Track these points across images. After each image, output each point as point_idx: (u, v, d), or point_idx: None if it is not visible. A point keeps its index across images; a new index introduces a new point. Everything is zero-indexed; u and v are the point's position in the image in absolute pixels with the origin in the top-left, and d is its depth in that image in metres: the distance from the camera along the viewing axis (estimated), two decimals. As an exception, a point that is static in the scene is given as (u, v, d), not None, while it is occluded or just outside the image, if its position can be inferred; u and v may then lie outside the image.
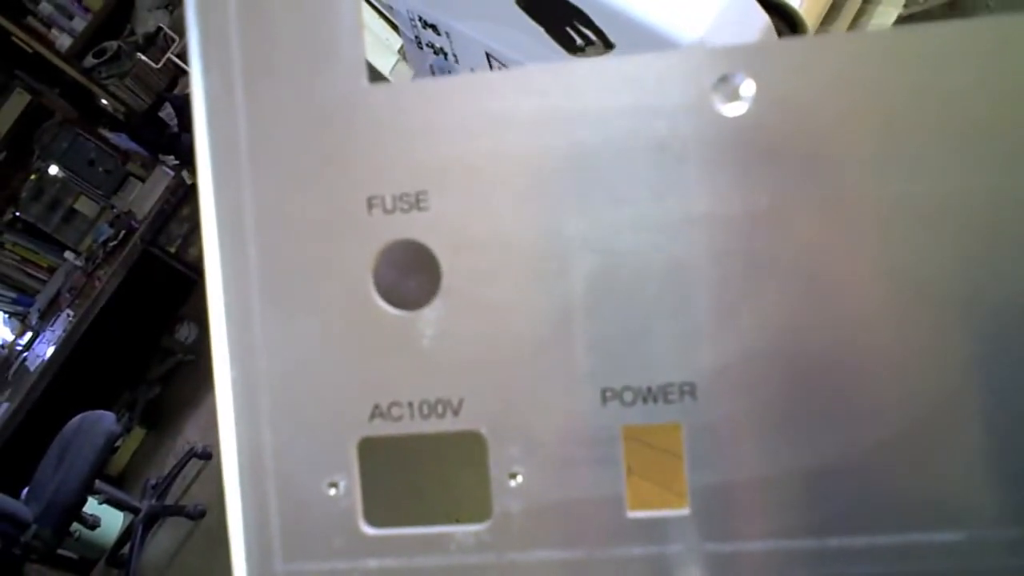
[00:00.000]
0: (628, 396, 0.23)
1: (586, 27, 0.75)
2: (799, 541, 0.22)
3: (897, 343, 0.22)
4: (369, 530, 0.23)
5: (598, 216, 0.23)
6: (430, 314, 0.23)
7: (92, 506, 2.38)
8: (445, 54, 0.93)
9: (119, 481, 2.80)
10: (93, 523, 2.43)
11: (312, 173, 0.23)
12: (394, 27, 0.98)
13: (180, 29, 1.07)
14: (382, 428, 0.23)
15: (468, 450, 0.24)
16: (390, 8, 0.93)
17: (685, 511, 0.22)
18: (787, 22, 0.74)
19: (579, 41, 0.76)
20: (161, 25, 1.07)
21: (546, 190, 0.23)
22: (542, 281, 0.23)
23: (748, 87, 0.22)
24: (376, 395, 0.23)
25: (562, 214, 0.23)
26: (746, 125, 0.22)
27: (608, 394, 0.23)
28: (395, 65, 1.06)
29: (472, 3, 0.84)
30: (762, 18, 0.66)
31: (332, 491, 0.23)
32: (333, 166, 0.23)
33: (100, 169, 2.69)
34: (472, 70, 0.89)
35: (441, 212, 0.23)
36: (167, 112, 2.29)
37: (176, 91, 1.57)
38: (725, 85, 0.23)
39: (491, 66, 0.85)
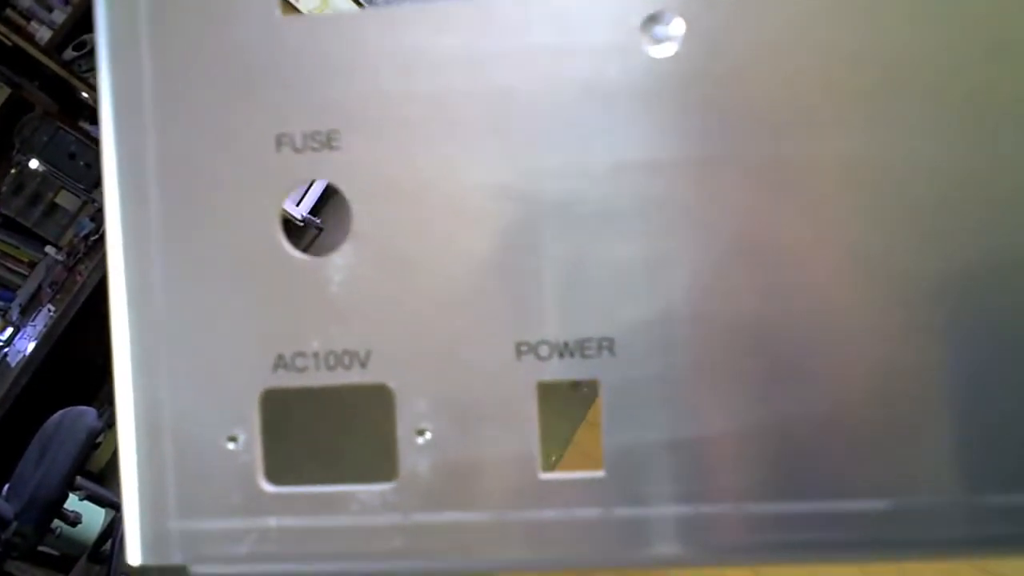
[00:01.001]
0: (544, 350, 0.21)
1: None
2: (716, 506, 0.21)
3: (826, 309, 0.21)
4: (269, 487, 0.22)
5: (518, 162, 0.22)
6: (339, 260, 0.22)
7: (73, 502, 2.36)
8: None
9: (101, 477, 2.78)
10: (74, 520, 2.40)
11: (219, 109, 0.22)
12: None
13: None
14: (286, 379, 0.22)
15: (380, 404, 0.22)
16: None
17: (600, 473, 0.21)
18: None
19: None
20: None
21: (463, 134, 0.22)
22: (457, 230, 0.22)
23: (678, 27, 0.21)
24: (280, 344, 0.22)
25: (480, 160, 0.22)
26: (676, 67, 0.21)
27: (523, 348, 0.21)
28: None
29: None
30: None
31: (231, 445, 0.22)
32: (241, 101, 0.22)
33: (81, 163, 2.67)
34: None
35: (353, 153, 0.22)
36: None
37: None
38: (653, 25, 0.21)
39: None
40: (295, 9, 0.99)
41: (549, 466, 0.21)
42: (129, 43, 0.23)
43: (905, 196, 0.21)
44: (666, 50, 0.21)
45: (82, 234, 2.67)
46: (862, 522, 0.21)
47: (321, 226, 2.35)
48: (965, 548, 0.21)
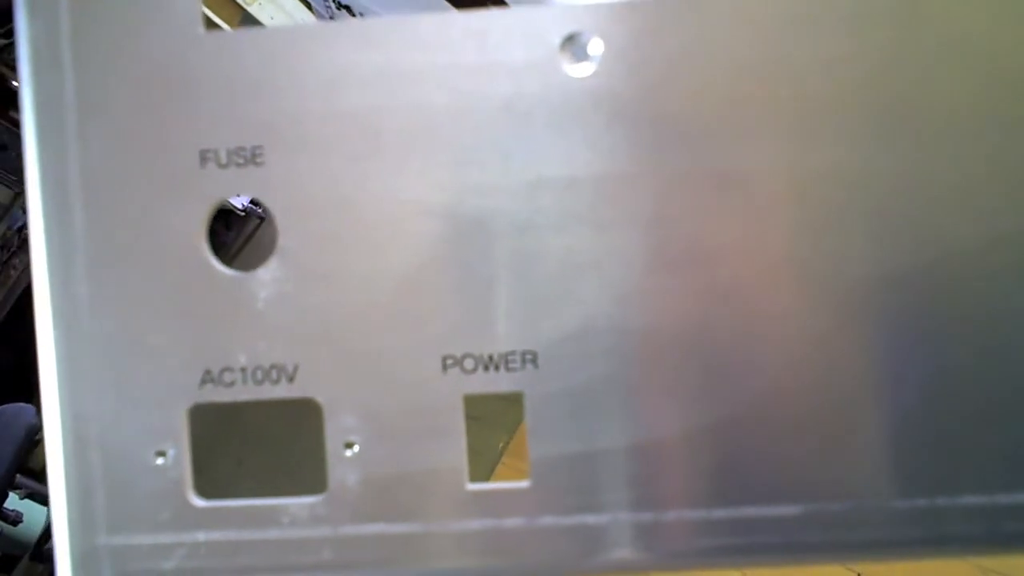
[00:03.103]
0: (469, 364, 0.22)
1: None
2: (638, 514, 0.22)
3: (743, 318, 0.22)
4: (198, 502, 0.22)
5: (441, 178, 0.22)
6: (265, 275, 0.22)
7: (14, 501, 2.32)
8: (364, 34, 0.92)
9: (42, 475, 2.74)
10: (15, 519, 2.37)
11: (143, 125, 0.23)
12: (309, 6, 0.97)
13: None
14: (213, 394, 0.22)
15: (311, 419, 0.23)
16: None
17: (525, 484, 0.22)
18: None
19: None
20: None
21: (386, 150, 0.22)
22: (382, 245, 0.22)
23: (596, 47, 0.22)
24: (207, 360, 0.22)
25: (404, 176, 0.22)
26: (594, 86, 0.22)
27: (449, 362, 0.22)
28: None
29: (392, -18, 0.83)
30: None
31: (160, 460, 0.22)
32: (165, 117, 0.23)
33: (13, 154, 2.63)
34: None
35: (277, 169, 0.22)
36: None
37: None
38: (572, 44, 0.22)
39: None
40: (239, 7, 0.98)
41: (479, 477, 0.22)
42: (51, 57, 0.23)
43: (830, 203, 0.22)
44: (584, 70, 0.22)
45: (16, 227, 2.63)
46: (776, 527, 0.21)
47: (263, 215, 2.34)
48: (902, 550, 0.22)
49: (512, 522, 0.22)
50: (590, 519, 0.22)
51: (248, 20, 1.00)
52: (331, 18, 0.82)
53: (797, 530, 0.22)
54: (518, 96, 0.22)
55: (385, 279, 0.22)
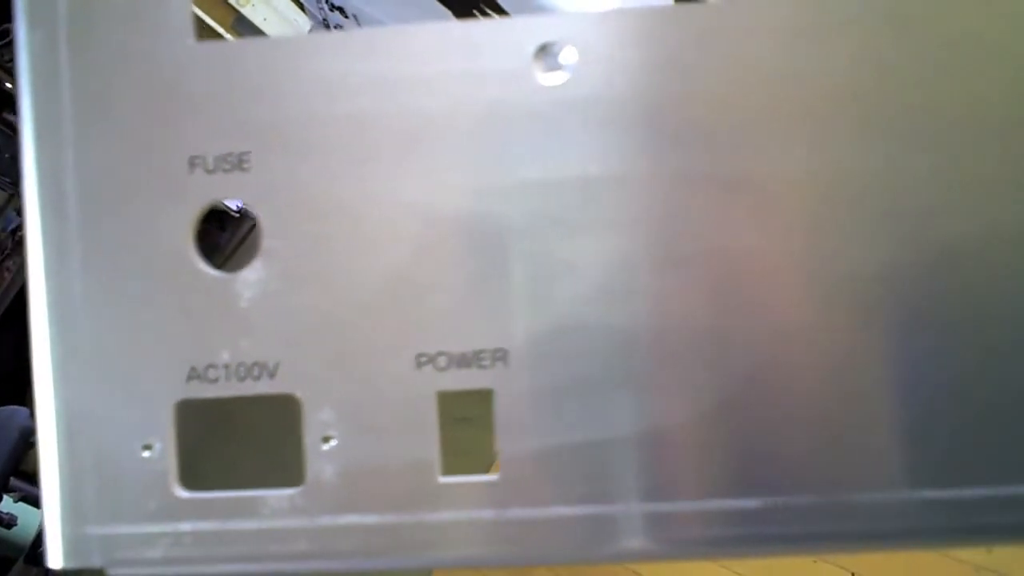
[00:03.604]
0: (442, 361, 0.23)
1: (492, 10, 0.76)
2: (608, 507, 0.23)
3: (707, 318, 0.23)
4: (183, 493, 0.24)
5: (418, 183, 0.24)
6: (249, 276, 0.24)
7: (8, 504, 2.33)
8: (359, 38, 0.93)
9: (35, 478, 2.74)
10: (9, 522, 2.37)
11: (135, 131, 0.24)
12: (302, 7, 0.99)
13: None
14: (199, 390, 0.24)
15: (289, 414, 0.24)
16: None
17: (495, 477, 0.23)
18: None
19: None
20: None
21: (371, 155, 0.24)
22: (362, 246, 0.24)
23: (570, 56, 0.23)
24: (193, 357, 0.24)
25: (382, 180, 0.24)
26: (567, 94, 0.23)
27: (423, 359, 0.23)
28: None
29: (383, -14, 0.84)
30: (667, 2, 0.68)
31: (147, 453, 0.24)
32: (157, 124, 0.24)
33: (6, 155, 2.63)
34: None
35: (264, 174, 0.24)
36: None
37: None
38: (546, 54, 0.23)
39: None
40: (224, 1, 1.00)
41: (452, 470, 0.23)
42: (49, 66, 0.24)
43: (802, 207, 0.23)
44: (558, 78, 0.23)
45: (10, 228, 2.64)
46: (743, 519, 0.23)
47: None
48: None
49: (482, 514, 0.23)
50: (558, 511, 0.23)
51: (241, 22, 1.01)
52: (324, 19, 0.84)
53: (758, 522, 0.23)
54: (497, 103, 0.24)
55: (364, 280, 0.24)
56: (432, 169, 0.24)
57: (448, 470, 0.24)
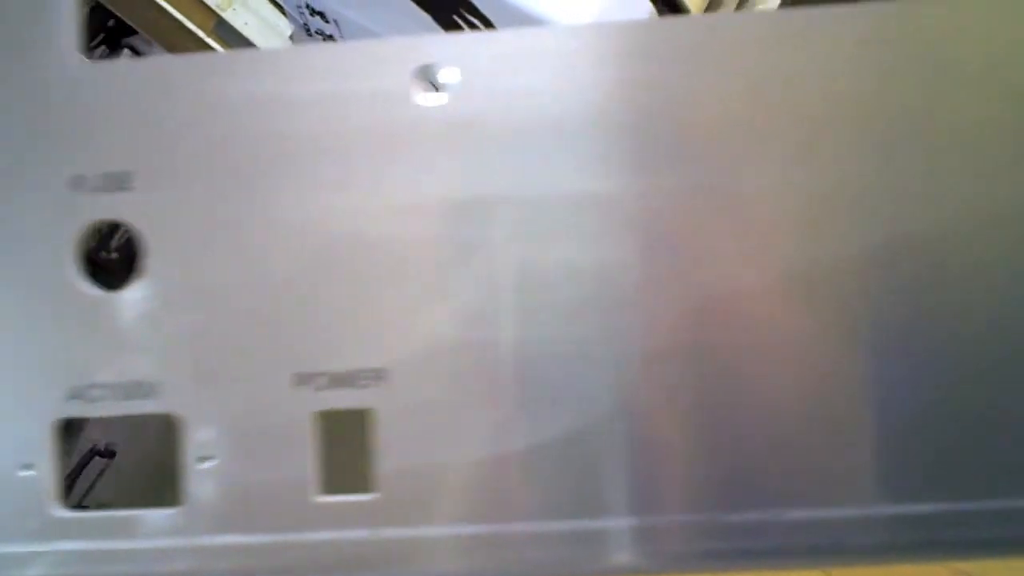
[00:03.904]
0: (320, 381, 0.23)
1: (473, 15, 0.76)
2: (487, 527, 0.23)
3: (574, 336, 0.23)
4: (62, 513, 0.24)
5: (302, 202, 0.24)
6: (130, 295, 0.24)
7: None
8: (334, 41, 0.93)
9: None
10: (-1, 526, 2.39)
11: (15, 149, 0.24)
12: (284, 12, 0.99)
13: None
14: (80, 409, 0.24)
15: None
16: (279, -7, 0.94)
17: (373, 496, 0.23)
18: (672, 10, 0.76)
19: (466, 29, 0.77)
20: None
21: (252, 175, 0.24)
22: (242, 265, 0.24)
23: (450, 77, 0.23)
24: (74, 376, 0.24)
25: (266, 199, 0.24)
26: (447, 116, 0.23)
27: (301, 379, 0.23)
28: (288, 53, 1.06)
29: (358, -10, 0.84)
30: (646, 7, 0.68)
31: (26, 472, 0.24)
32: (37, 142, 0.24)
33: None
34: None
35: (147, 193, 0.24)
36: None
37: None
38: (425, 74, 0.23)
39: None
40: (203, 3, 1.00)
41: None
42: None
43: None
44: (437, 99, 0.23)
45: None
46: (609, 542, 0.23)
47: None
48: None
49: (358, 533, 0.23)
50: (434, 531, 0.23)
51: (222, 26, 1.01)
52: (304, 24, 0.84)
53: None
54: (372, 125, 0.24)
55: (244, 300, 0.24)
56: (311, 189, 0.24)
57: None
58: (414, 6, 0.78)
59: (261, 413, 0.24)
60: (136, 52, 1.06)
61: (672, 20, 0.25)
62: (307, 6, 0.91)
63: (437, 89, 0.24)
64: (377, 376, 0.24)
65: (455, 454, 0.23)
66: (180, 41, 1.04)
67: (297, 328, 0.24)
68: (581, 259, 0.23)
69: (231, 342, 0.24)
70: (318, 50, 0.24)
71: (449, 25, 0.77)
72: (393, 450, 0.24)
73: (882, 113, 0.23)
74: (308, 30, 0.94)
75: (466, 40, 0.24)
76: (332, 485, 0.24)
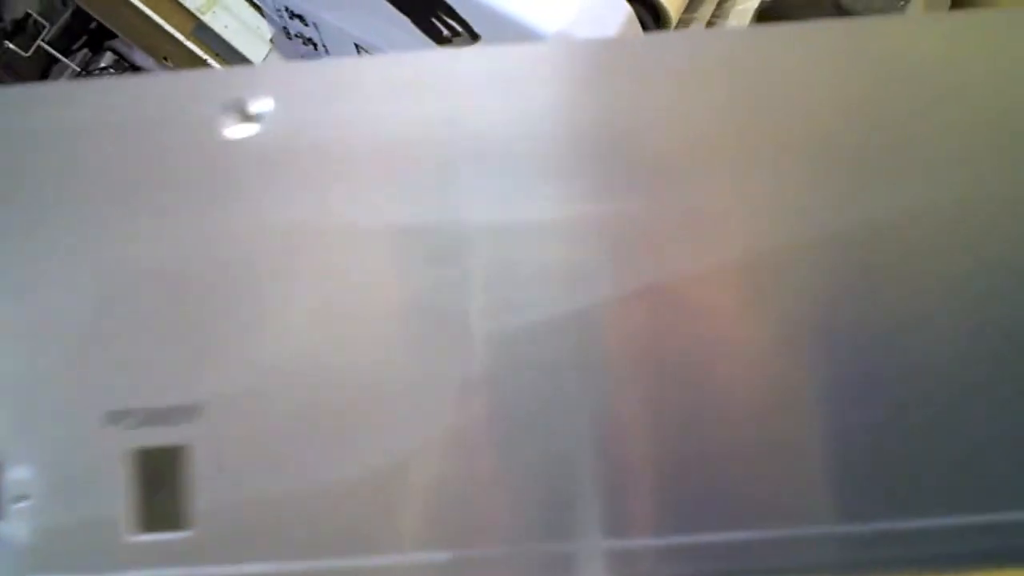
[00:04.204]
0: (133, 418, 0.23)
1: (451, 18, 0.76)
2: (303, 564, 0.23)
3: (416, 366, 0.23)
4: None
5: (110, 235, 0.24)
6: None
7: None
8: (315, 44, 0.93)
9: None
10: None
11: None
12: (263, 14, 0.98)
13: (50, 15, 1.07)
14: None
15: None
16: (257, -5, 0.94)
17: (187, 533, 0.23)
18: (650, 11, 0.75)
19: (445, 32, 0.77)
20: (30, 11, 1.06)
21: (63, 210, 0.24)
22: (54, 302, 0.24)
23: (262, 108, 0.23)
24: None
25: (79, 235, 0.24)
26: (257, 147, 0.23)
27: (113, 416, 0.23)
28: (267, 55, 1.06)
29: (336, -7, 0.84)
30: (624, 8, 0.67)
31: None
32: None
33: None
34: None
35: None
36: None
37: (49, 80, 1.55)
38: (236, 106, 0.23)
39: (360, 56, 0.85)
40: (182, 6, 1.00)
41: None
42: None
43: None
44: (247, 131, 0.23)
45: None
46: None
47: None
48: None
49: (172, 572, 0.23)
50: (250, 568, 0.23)
51: (202, 29, 1.01)
52: (284, 27, 0.83)
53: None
54: (184, 157, 0.23)
55: (57, 338, 0.24)
56: (119, 224, 0.24)
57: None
58: (392, 9, 0.77)
59: (74, 452, 0.24)
60: (119, 54, 1.06)
61: (499, 50, 0.25)
62: (286, 9, 0.91)
63: (249, 120, 0.23)
64: (191, 412, 0.23)
65: (273, 489, 0.23)
66: (159, 44, 1.04)
67: (109, 366, 0.24)
68: (401, 288, 0.23)
69: (45, 381, 0.24)
70: (128, 82, 0.24)
71: (428, 28, 0.77)
72: (207, 487, 0.23)
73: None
74: (288, 33, 0.94)
75: (276, 72, 0.23)
76: (151, 523, 0.24)
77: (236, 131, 0.23)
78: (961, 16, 0.23)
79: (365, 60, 0.24)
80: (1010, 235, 0.22)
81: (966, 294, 0.23)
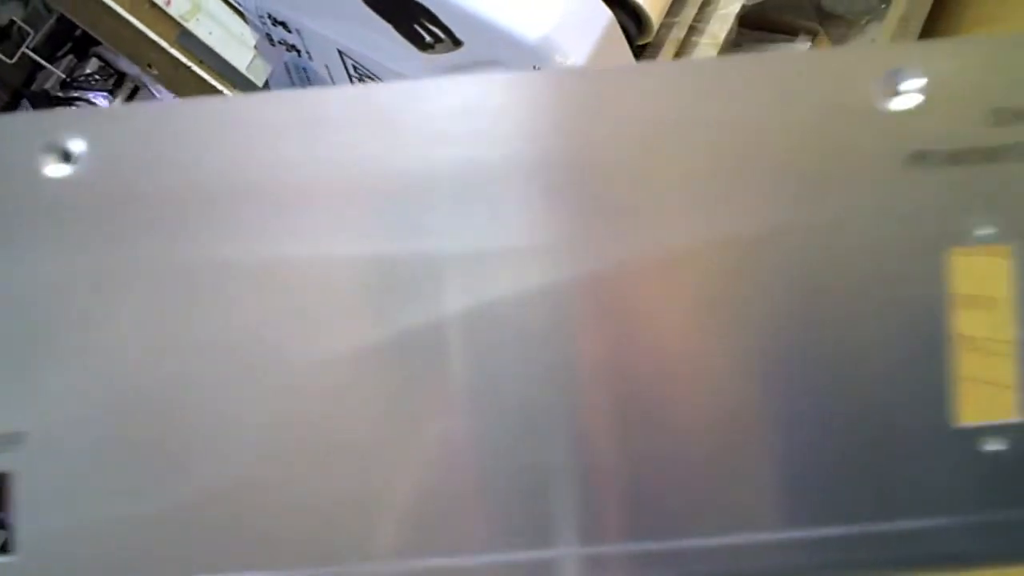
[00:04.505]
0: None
1: (433, 25, 0.76)
2: None
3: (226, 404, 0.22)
4: None
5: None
6: None
7: None
8: (298, 51, 0.93)
9: None
10: None
11: None
12: (246, 20, 0.99)
13: (35, 22, 1.08)
14: None
15: None
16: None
17: (11, 559, 0.23)
18: (632, 17, 0.74)
19: (428, 38, 0.76)
20: (14, 18, 1.07)
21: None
22: None
23: (78, 147, 0.23)
24: None
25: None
26: (74, 187, 0.23)
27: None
28: (252, 61, 1.06)
29: (319, 1, 0.84)
30: (606, 15, 0.67)
31: None
32: None
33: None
34: (327, 67, 0.89)
35: None
36: (25, 109, 2.24)
37: (34, 87, 1.54)
38: (56, 146, 0.23)
39: (344, 63, 0.86)
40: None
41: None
42: None
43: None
44: (61, 171, 0.23)
45: None
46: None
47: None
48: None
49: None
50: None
51: (186, 36, 1.02)
52: (267, 34, 0.83)
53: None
54: (10, 197, 0.23)
55: None
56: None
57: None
58: (375, 16, 0.77)
59: None
60: (104, 61, 1.06)
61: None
62: (269, 16, 0.91)
63: (68, 161, 0.23)
64: (14, 440, 0.23)
65: (99, 514, 0.23)
66: (143, 52, 1.04)
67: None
68: (226, 324, 0.23)
69: None
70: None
71: (412, 34, 0.76)
72: (33, 512, 0.23)
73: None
74: (272, 40, 0.94)
75: (97, 113, 0.23)
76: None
77: (56, 171, 0.22)
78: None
79: (191, 102, 0.23)
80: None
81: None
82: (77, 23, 1.08)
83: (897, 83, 0.23)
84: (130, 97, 1.29)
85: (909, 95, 0.23)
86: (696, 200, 0.23)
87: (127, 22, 1.02)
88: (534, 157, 0.23)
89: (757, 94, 0.23)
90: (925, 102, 0.23)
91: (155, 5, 1.03)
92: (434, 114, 0.23)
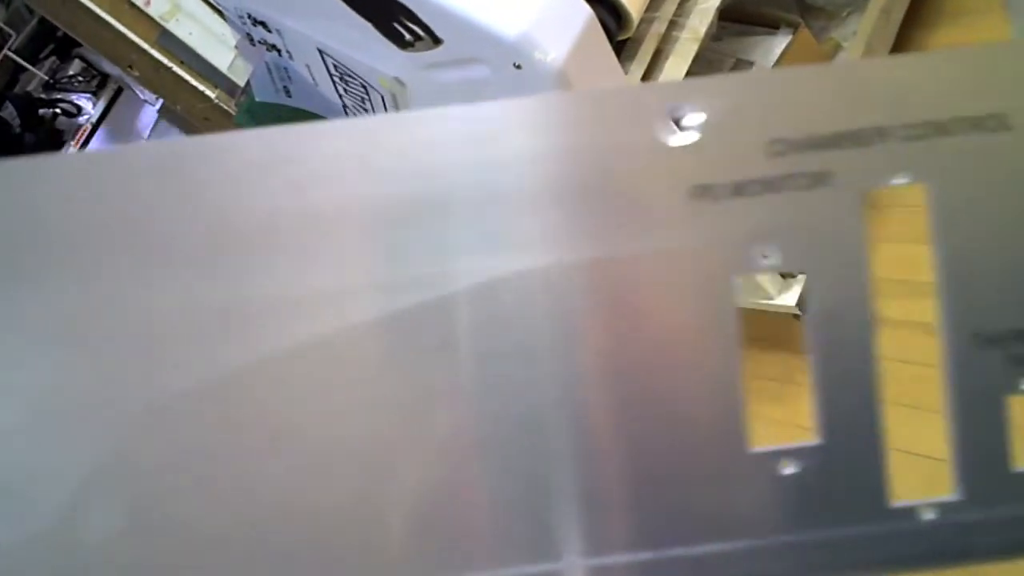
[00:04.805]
0: None
1: (413, 23, 0.76)
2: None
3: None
4: None
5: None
6: None
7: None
8: (279, 51, 0.93)
9: None
10: None
11: None
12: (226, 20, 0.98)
13: (16, 24, 1.07)
14: None
15: None
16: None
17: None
18: (611, 13, 0.74)
19: (408, 36, 0.76)
20: (-5, 21, 1.07)
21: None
22: None
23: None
24: None
25: None
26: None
27: None
28: (233, 61, 1.05)
29: (298, 0, 0.84)
30: (585, 11, 0.67)
31: None
32: None
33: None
34: (308, 66, 0.89)
35: None
36: (8, 112, 2.21)
37: (16, 89, 1.53)
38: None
39: (324, 62, 0.86)
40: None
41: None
42: None
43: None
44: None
45: None
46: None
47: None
48: None
49: None
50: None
51: (166, 36, 1.01)
52: (248, 34, 0.83)
53: None
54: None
55: None
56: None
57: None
58: (354, 14, 0.77)
59: None
60: (87, 62, 1.06)
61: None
62: (248, 16, 0.91)
63: None
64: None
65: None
66: (124, 53, 1.04)
67: None
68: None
69: None
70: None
71: (392, 32, 0.76)
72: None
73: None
74: (252, 40, 0.94)
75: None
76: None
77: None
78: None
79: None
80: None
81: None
82: (57, 25, 1.08)
83: (678, 119, 0.23)
84: (114, 98, 1.28)
85: (689, 131, 0.23)
86: (494, 237, 0.23)
87: (107, 23, 1.02)
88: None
89: (551, 133, 0.23)
90: (704, 137, 0.23)
91: (134, 6, 1.03)
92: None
